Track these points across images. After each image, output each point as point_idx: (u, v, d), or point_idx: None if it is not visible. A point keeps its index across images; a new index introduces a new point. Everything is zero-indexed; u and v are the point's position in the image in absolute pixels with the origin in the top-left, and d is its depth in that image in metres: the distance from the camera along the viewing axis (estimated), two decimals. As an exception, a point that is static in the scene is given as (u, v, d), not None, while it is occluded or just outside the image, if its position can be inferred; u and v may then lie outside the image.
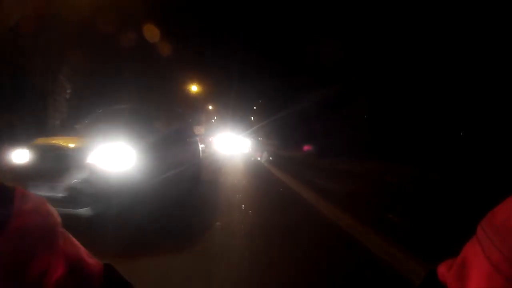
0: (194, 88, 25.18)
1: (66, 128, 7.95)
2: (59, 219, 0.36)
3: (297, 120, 17.23)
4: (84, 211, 2.57)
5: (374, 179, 6.16)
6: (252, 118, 40.36)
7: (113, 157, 2.86)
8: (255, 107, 35.70)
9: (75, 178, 2.61)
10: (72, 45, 9.55)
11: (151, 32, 13.59)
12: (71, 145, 2.96)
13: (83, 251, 0.39)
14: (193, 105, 26.79)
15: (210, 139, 20.66)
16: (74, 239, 0.39)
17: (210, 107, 35.89)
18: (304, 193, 4.97)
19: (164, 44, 15.29)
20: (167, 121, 4.60)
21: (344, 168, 7.73)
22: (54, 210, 0.36)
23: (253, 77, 28.31)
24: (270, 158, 12.95)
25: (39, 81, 9.19)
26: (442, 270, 0.38)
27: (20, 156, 2.93)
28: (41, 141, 3.23)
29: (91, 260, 0.40)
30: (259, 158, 14.26)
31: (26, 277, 0.29)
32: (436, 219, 3.14)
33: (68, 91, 10.09)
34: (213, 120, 39.48)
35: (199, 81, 25.59)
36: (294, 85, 16.34)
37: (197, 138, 5.90)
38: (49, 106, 9.78)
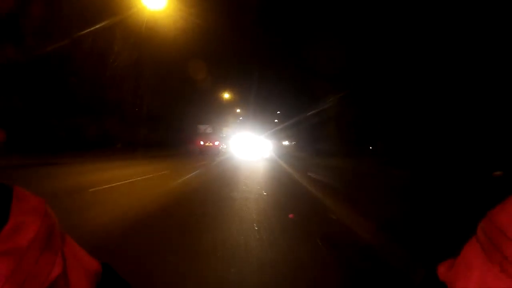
0: (226, 95, 30.34)
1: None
2: (57, 219, 0.36)
3: (308, 126, 21.42)
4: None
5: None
6: (276, 120, 43.60)
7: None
8: (278, 112, 39.26)
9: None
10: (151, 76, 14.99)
11: (196, 62, 18.80)
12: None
13: (80, 250, 0.40)
14: (225, 109, 32.02)
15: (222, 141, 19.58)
16: (72, 239, 0.39)
17: (238, 110, 40.92)
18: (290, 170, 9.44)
19: (205, 67, 20.38)
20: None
21: (322, 162, 12.15)
22: (52, 210, 0.36)
23: (276, 84, 31.80)
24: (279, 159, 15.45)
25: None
26: (442, 269, 0.38)
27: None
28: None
29: (89, 259, 0.41)
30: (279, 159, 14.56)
31: (24, 277, 0.29)
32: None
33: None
34: (238, 120, 44.10)
35: (230, 89, 30.62)
36: (304, 98, 20.28)
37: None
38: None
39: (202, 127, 24.46)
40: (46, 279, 0.31)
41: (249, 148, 17.67)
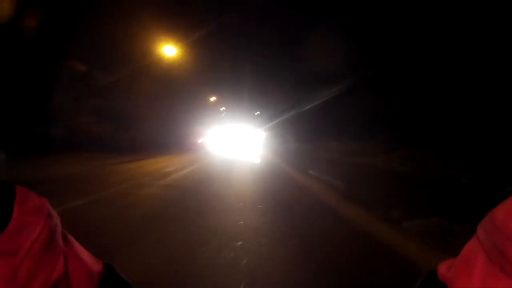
0: (213, 98, 36.92)
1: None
2: (59, 220, 0.37)
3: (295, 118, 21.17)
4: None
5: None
6: (257, 113, 45.07)
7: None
8: (257, 112, 42.85)
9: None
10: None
11: (195, 80, 25.37)
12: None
13: (82, 251, 0.41)
14: (211, 108, 38.53)
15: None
16: (74, 239, 0.40)
17: (223, 108, 47.19)
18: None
19: (201, 81, 26.97)
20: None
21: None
22: (54, 211, 0.36)
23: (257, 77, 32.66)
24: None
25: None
26: (442, 270, 0.38)
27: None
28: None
29: (91, 260, 0.41)
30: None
31: (26, 277, 0.29)
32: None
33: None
34: (222, 115, 48.59)
35: (217, 88, 36.87)
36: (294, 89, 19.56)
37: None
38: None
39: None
40: (48, 279, 0.32)
41: (232, 147, 14.28)
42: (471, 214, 2.15)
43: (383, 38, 8.88)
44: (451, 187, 4.50)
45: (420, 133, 7.46)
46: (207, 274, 2.14)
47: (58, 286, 0.33)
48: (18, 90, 11.34)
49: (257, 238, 2.88)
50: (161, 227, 3.18)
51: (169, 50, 18.64)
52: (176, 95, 23.15)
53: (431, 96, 7.45)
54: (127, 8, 15.27)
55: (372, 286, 1.64)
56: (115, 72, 16.73)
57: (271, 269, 2.24)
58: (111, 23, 15.05)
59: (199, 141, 17.24)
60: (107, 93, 16.93)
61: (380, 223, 3.18)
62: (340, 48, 10.62)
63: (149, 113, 20.47)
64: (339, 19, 10.62)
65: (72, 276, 0.36)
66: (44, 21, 11.30)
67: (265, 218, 3.55)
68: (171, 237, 2.84)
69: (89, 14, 13.70)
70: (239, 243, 2.69)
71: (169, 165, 10.36)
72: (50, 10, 11.69)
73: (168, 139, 23.28)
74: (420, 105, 7.82)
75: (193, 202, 4.53)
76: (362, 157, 8.03)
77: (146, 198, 4.79)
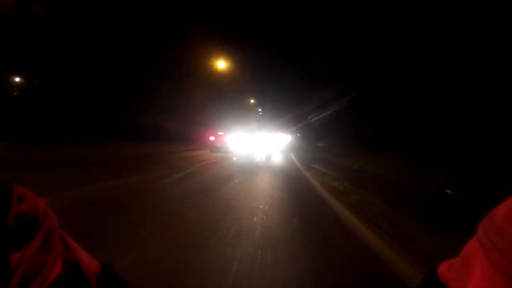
0: (252, 101, 41.65)
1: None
2: (57, 219, 0.37)
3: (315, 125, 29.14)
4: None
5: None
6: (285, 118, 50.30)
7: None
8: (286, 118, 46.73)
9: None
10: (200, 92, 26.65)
11: (238, 86, 30.12)
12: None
13: (80, 251, 0.41)
14: (250, 110, 43.25)
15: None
16: (71, 239, 0.40)
17: (260, 110, 51.78)
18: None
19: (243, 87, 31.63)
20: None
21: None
22: (51, 211, 0.37)
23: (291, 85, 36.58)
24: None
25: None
26: (442, 270, 0.39)
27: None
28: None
29: (89, 260, 0.41)
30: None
31: (24, 277, 0.30)
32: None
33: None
34: (258, 115, 53.43)
35: (254, 93, 41.57)
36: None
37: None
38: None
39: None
40: (45, 280, 0.32)
41: (263, 143, 15.57)
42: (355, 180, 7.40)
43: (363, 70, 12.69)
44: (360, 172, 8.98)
45: (383, 144, 11.14)
46: (254, 174, 8.31)
47: (56, 287, 0.33)
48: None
49: (268, 177, 8.01)
50: (238, 175, 8.08)
51: (220, 64, 23.57)
52: (223, 100, 28.22)
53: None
54: (192, 36, 20.42)
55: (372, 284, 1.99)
56: (182, 83, 22.10)
57: (272, 174, 8.67)
58: (180, 50, 20.29)
59: (229, 139, 21.42)
60: (175, 98, 22.34)
61: (322, 175, 7.78)
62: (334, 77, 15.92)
63: (202, 114, 25.69)
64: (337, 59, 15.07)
65: (70, 277, 0.36)
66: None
67: (275, 177, 8.26)
68: (242, 177, 7.58)
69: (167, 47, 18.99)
70: (262, 177, 7.92)
71: (223, 155, 14.96)
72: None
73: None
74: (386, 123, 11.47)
75: (244, 170, 9.45)
76: (340, 157, 13.87)
77: (228, 166, 10.53)
